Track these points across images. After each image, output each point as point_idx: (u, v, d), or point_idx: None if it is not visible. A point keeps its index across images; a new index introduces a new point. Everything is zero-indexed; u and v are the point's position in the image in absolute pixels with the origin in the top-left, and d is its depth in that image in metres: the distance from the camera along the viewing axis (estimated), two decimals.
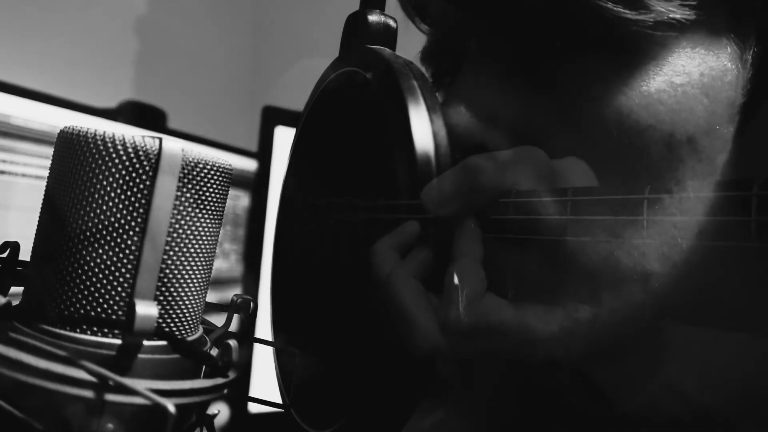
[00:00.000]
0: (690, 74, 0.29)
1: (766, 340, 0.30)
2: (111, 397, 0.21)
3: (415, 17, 0.37)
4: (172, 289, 0.25)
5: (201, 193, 0.25)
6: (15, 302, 0.25)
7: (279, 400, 0.36)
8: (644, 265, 0.28)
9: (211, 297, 0.28)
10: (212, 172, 0.25)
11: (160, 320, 0.25)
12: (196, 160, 0.25)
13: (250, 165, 0.95)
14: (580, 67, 0.30)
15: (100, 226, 0.23)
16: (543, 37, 0.30)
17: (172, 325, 0.25)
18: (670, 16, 0.28)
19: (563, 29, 0.30)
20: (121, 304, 0.23)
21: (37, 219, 0.25)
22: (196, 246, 0.25)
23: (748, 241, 0.22)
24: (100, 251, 0.23)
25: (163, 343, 0.24)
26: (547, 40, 0.30)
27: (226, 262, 0.94)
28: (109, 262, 0.23)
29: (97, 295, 0.23)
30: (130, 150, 0.23)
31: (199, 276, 0.26)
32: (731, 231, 0.23)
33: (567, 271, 0.28)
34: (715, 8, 0.29)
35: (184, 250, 0.25)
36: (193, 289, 0.25)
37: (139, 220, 0.23)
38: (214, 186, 0.26)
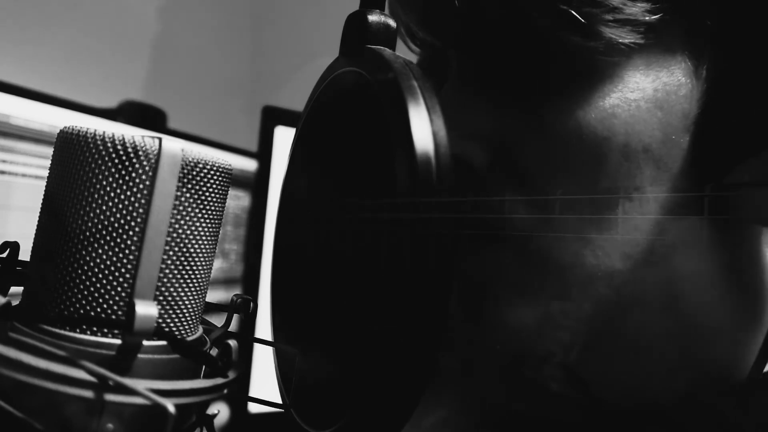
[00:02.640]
0: (644, 90, 0.31)
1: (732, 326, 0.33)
2: (111, 397, 0.21)
3: (407, 39, 0.40)
4: (172, 289, 0.25)
5: (201, 193, 0.25)
6: (15, 302, 0.25)
7: (279, 400, 0.36)
8: (608, 262, 0.31)
9: (211, 297, 0.28)
10: (212, 172, 0.25)
11: (160, 320, 0.25)
12: (196, 160, 0.25)
13: (250, 165, 0.95)
14: (545, 87, 0.33)
15: (100, 226, 0.23)
16: (510, 63, 0.33)
17: (171, 325, 0.25)
18: (620, 41, 0.31)
19: (527, 56, 0.33)
20: (121, 304, 0.23)
21: (37, 219, 0.25)
22: (196, 246, 0.25)
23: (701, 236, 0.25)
24: (100, 251, 0.23)
25: (163, 343, 0.24)
26: (514, 65, 0.33)
27: (226, 262, 0.94)
28: (109, 262, 0.23)
29: (97, 295, 0.23)
30: (130, 150, 0.23)
31: (199, 276, 0.26)
32: (686, 229, 0.27)
33: (538, 267, 0.32)
34: (668, 29, 0.32)
35: (184, 250, 0.25)
36: (193, 289, 0.25)
37: (139, 220, 0.23)
38: (214, 186, 0.26)
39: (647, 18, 0.31)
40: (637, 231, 0.31)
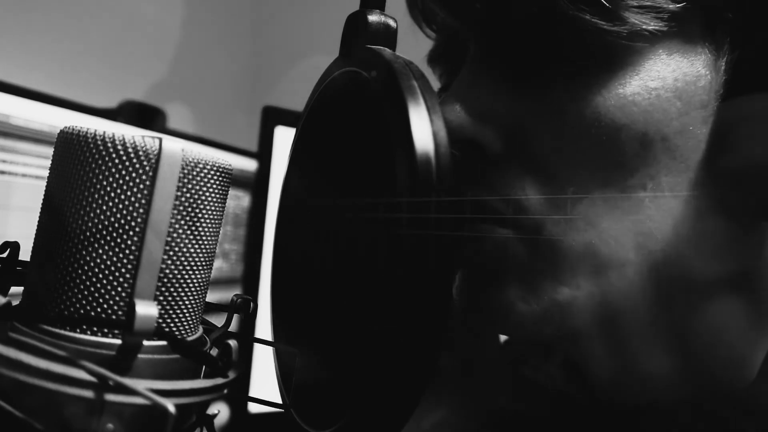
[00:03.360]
0: (664, 79, 0.31)
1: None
2: (111, 397, 0.21)
3: (422, 23, 0.40)
4: (172, 289, 0.25)
5: (201, 193, 0.25)
6: (15, 302, 0.25)
7: (279, 400, 0.36)
8: (620, 253, 0.31)
9: (211, 297, 0.28)
10: (212, 172, 0.25)
11: (160, 320, 0.25)
12: (196, 160, 0.25)
13: (250, 165, 0.95)
14: (564, 71, 0.32)
15: (100, 226, 0.23)
16: (531, 45, 0.33)
17: (172, 325, 0.25)
18: (644, 27, 0.31)
19: (549, 39, 0.32)
20: (121, 304, 0.23)
21: (37, 219, 0.25)
22: (196, 246, 0.25)
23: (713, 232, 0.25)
24: (100, 251, 0.23)
25: (163, 343, 0.24)
26: (535, 48, 0.33)
27: (226, 262, 0.94)
28: (109, 262, 0.23)
29: (97, 295, 0.23)
30: (130, 150, 0.23)
31: (199, 276, 0.26)
32: (698, 223, 0.27)
33: (549, 256, 0.32)
34: (689, 19, 0.32)
35: (184, 250, 0.25)
36: (193, 289, 0.25)
37: (139, 220, 0.23)
38: (214, 186, 0.26)
39: (671, 6, 0.31)
40: (650, 221, 0.30)
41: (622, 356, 0.34)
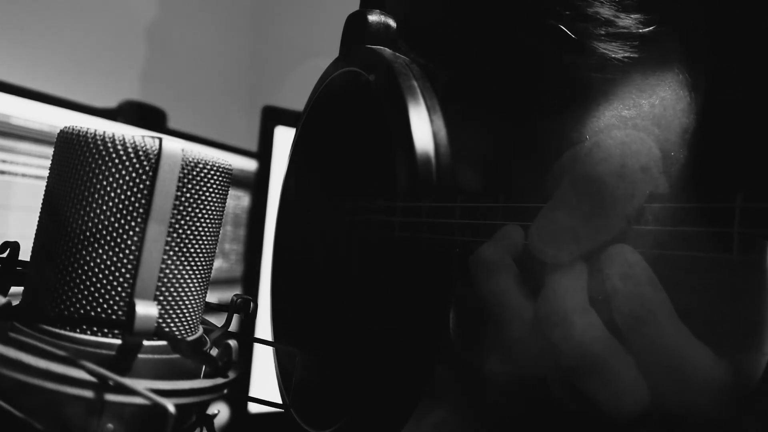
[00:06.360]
0: (640, 106, 0.31)
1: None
2: (111, 397, 0.21)
3: None
4: (172, 289, 0.25)
5: (201, 193, 0.25)
6: (15, 302, 0.25)
7: (279, 400, 0.36)
8: (608, 285, 0.29)
9: (211, 297, 0.28)
10: (212, 172, 0.25)
11: (160, 320, 0.25)
12: (196, 160, 0.25)
13: (250, 165, 0.95)
14: (537, 108, 0.31)
15: (100, 226, 0.23)
16: (500, 82, 0.32)
17: (172, 325, 0.25)
18: (613, 56, 0.30)
19: (517, 75, 0.31)
20: (121, 304, 0.23)
21: (37, 219, 0.25)
22: (196, 246, 0.25)
23: (729, 253, 0.23)
24: (100, 251, 0.23)
25: (163, 343, 0.24)
26: (504, 84, 0.32)
27: (226, 262, 0.94)
28: (109, 262, 0.23)
29: (97, 295, 0.23)
30: (130, 150, 0.23)
31: (199, 276, 0.26)
32: (708, 243, 0.25)
33: (533, 292, 0.30)
34: (663, 41, 0.31)
35: (184, 250, 0.25)
36: (193, 289, 0.25)
37: (139, 220, 0.23)
38: (214, 186, 0.26)
39: (641, 30, 0.30)
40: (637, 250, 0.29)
41: (619, 381, 0.33)
